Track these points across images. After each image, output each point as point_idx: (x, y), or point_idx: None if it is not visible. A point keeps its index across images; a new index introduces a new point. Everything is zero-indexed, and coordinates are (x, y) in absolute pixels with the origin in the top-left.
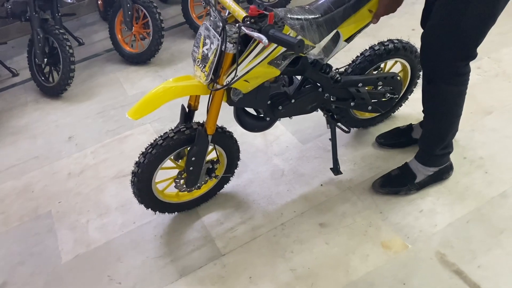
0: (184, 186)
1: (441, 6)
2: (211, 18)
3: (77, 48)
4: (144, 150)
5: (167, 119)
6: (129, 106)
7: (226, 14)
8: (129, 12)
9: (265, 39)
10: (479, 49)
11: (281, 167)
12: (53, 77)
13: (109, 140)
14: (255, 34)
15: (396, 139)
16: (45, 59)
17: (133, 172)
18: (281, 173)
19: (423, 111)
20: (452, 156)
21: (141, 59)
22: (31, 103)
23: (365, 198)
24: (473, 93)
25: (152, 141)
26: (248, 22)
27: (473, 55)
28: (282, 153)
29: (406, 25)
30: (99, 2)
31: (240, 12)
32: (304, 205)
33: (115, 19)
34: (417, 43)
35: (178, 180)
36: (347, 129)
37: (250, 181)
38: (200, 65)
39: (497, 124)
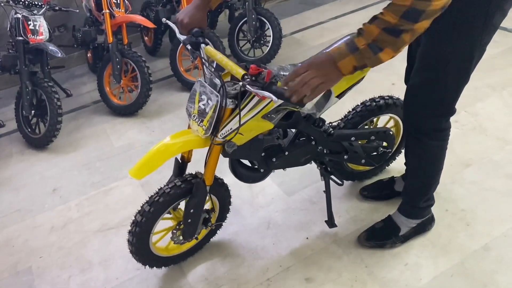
0: (181, 237)
1: (421, 67)
2: (207, 75)
3: (65, 99)
4: (149, 199)
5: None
6: (115, 157)
7: (214, 67)
8: (118, 66)
9: (274, 97)
10: (456, 104)
11: (266, 220)
12: (40, 129)
13: (94, 192)
14: (266, 94)
15: (379, 191)
16: (33, 111)
17: (135, 221)
18: (266, 226)
19: (405, 163)
20: (434, 209)
21: (129, 111)
22: (16, 155)
23: (350, 252)
24: (452, 146)
25: (158, 189)
26: (248, 80)
27: (453, 111)
28: (268, 205)
29: (386, 79)
30: (88, 55)
31: (238, 70)
32: (290, 259)
33: (104, 72)
34: (399, 96)
35: (175, 231)
36: (340, 182)
37: (236, 234)
38: (197, 119)
39: (476, 176)
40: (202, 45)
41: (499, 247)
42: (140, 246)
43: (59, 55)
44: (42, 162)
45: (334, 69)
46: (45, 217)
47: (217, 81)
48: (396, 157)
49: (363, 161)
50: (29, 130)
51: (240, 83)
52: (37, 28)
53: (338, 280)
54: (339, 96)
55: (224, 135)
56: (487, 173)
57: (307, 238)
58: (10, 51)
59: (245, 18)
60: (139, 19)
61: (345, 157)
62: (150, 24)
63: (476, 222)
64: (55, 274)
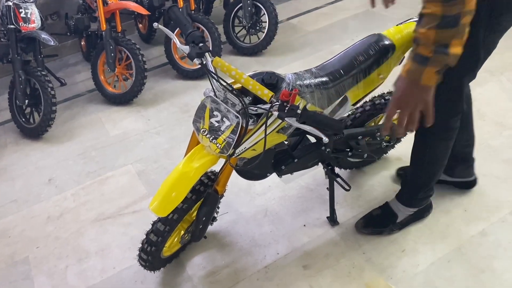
0: (188, 239)
1: None
2: (218, 90)
3: (59, 88)
4: (162, 218)
5: (150, 160)
6: (111, 146)
7: (225, 81)
8: (112, 54)
9: (325, 138)
10: None
11: (264, 207)
12: (34, 118)
13: (90, 182)
14: (317, 133)
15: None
16: (26, 101)
17: (149, 241)
18: (264, 214)
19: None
20: None
21: (124, 100)
22: (11, 145)
23: (348, 238)
24: None
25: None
26: (277, 103)
27: (461, 110)
28: (265, 193)
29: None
30: (82, 43)
31: (264, 92)
32: (287, 247)
33: (98, 60)
34: None
35: (184, 235)
36: (347, 187)
37: (233, 222)
38: (208, 135)
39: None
40: (207, 55)
41: (496, 233)
42: (155, 261)
43: (52, 43)
44: (37, 152)
45: (422, 88)
46: (41, 207)
47: (236, 100)
48: (395, 146)
49: (365, 155)
50: (23, 120)
51: (277, 114)
52: (28, 16)
53: (335, 266)
54: (355, 104)
55: (239, 153)
56: (484, 158)
57: (304, 225)
58: (2, 39)
59: (240, 4)
60: (132, 5)
61: (349, 154)
62: (144, 11)
63: (473, 207)
64: (52, 264)
